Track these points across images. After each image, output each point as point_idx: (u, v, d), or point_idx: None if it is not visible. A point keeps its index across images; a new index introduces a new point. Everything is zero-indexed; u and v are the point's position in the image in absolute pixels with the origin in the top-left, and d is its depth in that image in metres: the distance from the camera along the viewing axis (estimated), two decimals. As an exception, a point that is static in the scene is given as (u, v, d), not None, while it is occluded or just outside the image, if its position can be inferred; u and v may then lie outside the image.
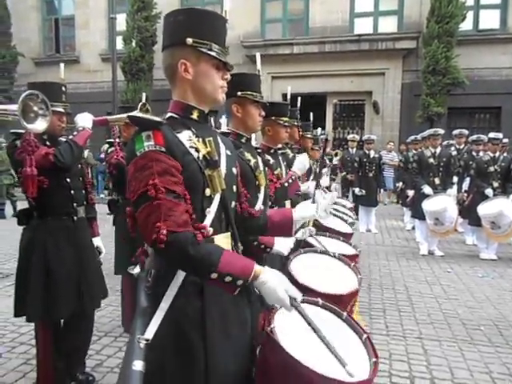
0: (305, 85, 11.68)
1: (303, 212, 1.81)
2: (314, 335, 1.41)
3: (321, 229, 3.17)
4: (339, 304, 1.68)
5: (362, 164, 8.18)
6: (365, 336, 1.47)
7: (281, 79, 12.72)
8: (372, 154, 8.21)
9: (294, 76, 12.62)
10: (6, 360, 3.06)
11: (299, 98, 3.89)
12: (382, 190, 10.30)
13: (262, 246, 2.12)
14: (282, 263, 2.38)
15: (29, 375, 2.88)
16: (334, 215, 3.84)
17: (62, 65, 2.80)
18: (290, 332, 1.39)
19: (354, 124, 13.67)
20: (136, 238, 1.42)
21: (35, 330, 2.65)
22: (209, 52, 1.34)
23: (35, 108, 1.80)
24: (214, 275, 1.20)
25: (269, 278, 1.26)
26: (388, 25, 12.89)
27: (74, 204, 2.61)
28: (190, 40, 1.32)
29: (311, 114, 4.89)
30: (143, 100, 3.48)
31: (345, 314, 1.59)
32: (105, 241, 3.07)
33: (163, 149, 1.26)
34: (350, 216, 4.31)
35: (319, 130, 5.72)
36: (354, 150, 8.97)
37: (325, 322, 1.53)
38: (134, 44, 12.85)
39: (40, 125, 1.81)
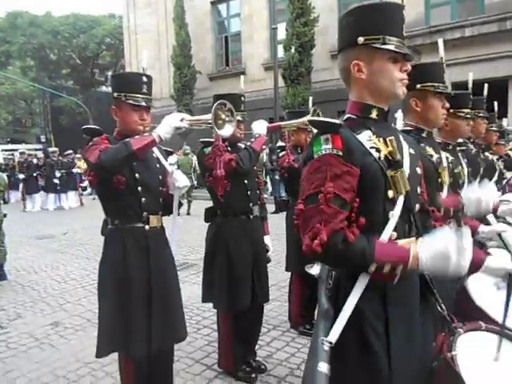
0: (480, 70, 10.23)
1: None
2: (500, 370, 1.21)
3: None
4: None
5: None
6: None
7: (450, 67, 11.35)
8: None
9: (465, 62, 11.20)
10: (193, 340, 3.51)
11: (486, 85, 3.38)
12: None
13: None
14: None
15: (212, 355, 3.24)
16: None
17: (242, 77, 3.09)
18: (473, 362, 1.22)
19: (546, 111, 11.39)
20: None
21: (217, 317, 2.97)
22: (382, 46, 1.27)
23: (223, 116, 2.01)
24: (373, 267, 1.22)
25: (427, 253, 1.18)
26: None
27: (251, 204, 2.83)
28: (361, 39, 1.28)
29: (495, 103, 4.24)
30: (310, 104, 3.56)
31: None
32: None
33: (340, 152, 1.24)
34: None
35: (505, 120, 4.92)
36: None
37: None
38: (293, 50, 13.34)
39: (227, 130, 2.02)
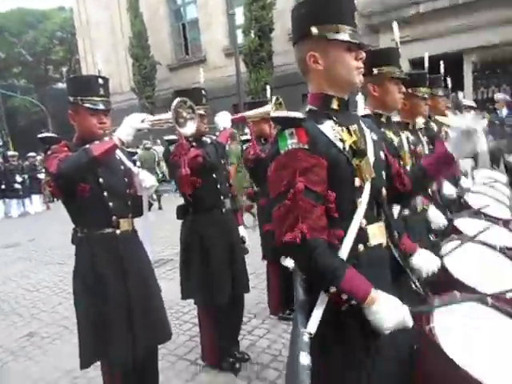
0: (436, 46, 10.52)
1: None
2: (480, 337, 1.28)
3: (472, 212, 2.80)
4: None
5: (516, 127, 7.05)
6: None
7: (407, 44, 11.56)
8: (528, 114, 7.01)
9: (421, 38, 11.45)
10: (176, 336, 3.47)
11: (442, 63, 3.45)
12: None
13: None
14: (431, 246, 2.20)
15: (194, 350, 3.26)
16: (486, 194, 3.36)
17: (201, 70, 3.02)
18: (452, 332, 1.27)
19: (500, 81, 11.85)
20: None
21: (198, 311, 2.98)
22: (336, 36, 1.27)
23: (184, 114, 1.98)
24: (333, 289, 1.20)
25: (381, 310, 1.20)
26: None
27: (221, 197, 2.83)
28: (314, 29, 1.28)
29: (449, 79, 4.35)
30: (268, 92, 3.52)
31: None
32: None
33: (306, 146, 1.25)
34: (504, 193, 3.65)
35: (461, 94, 5.08)
36: (504, 110, 7.74)
37: (502, 328, 1.36)
38: (252, 35, 13.20)
39: (190, 128, 1.99)
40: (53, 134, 2.13)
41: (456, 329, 1.31)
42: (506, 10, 10.66)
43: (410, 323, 1.23)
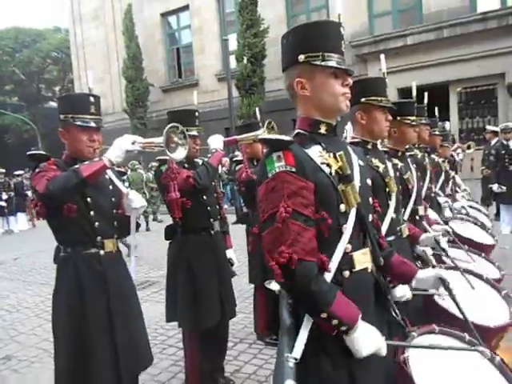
0: (422, 76, 10.85)
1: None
2: (454, 369, 1.28)
3: (458, 239, 2.84)
4: (484, 338, 1.47)
5: (500, 156, 7.20)
6: None
7: (395, 74, 11.93)
8: (512, 144, 7.19)
9: (409, 69, 11.83)
10: (159, 360, 3.41)
11: (426, 94, 3.58)
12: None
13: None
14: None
15: (178, 375, 3.17)
16: (474, 223, 3.43)
17: (195, 92, 3.06)
18: (427, 362, 1.29)
19: (484, 112, 12.21)
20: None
21: (183, 335, 2.91)
22: (322, 63, 1.31)
23: (175, 139, 1.98)
24: (324, 315, 1.19)
25: (360, 337, 1.22)
26: (519, -4, 11.33)
27: (211, 219, 2.81)
28: (301, 57, 1.32)
29: (436, 108, 4.49)
30: (257, 115, 3.54)
31: (498, 358, 1.38)
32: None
33: (294, 169, 1.25)
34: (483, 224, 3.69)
35: (447, 123, 5.21)
36: (494, 141, 7.93)
37: (471, 364, 1.36)
38: (245, 61, 13.47)
39: (180, 153, 1.99)
40: (42, 152, 2.11)
41: (430, 361, 1.31)
42: (488, 45, 11.11)
43: (384, 352, 1.25)
